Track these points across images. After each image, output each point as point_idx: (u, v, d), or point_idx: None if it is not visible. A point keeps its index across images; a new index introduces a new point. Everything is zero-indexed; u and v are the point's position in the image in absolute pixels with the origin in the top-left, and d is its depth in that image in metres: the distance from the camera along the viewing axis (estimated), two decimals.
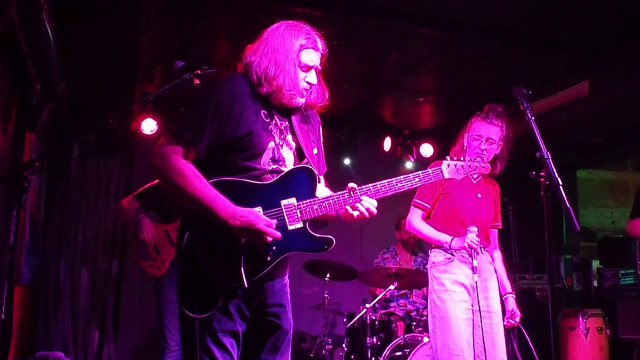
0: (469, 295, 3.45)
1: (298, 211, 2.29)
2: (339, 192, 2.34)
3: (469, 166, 2.50)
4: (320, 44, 2.43)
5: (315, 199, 2.31)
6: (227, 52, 5.63)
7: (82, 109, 5.98)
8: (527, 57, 5.65)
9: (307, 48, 2.39)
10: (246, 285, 2.20)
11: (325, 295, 5.55)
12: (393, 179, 2.37)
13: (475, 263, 3.32)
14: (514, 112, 2.88)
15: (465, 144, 3.58)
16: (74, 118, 5.98)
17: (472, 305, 3.45)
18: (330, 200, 2.32)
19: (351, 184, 2.34)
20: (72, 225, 6.60)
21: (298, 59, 2.36)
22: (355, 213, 2.33)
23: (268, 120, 2.37)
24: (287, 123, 2.45)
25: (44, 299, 6.37)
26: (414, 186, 2.38)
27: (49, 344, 6.22)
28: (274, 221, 2.22)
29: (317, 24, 4.88)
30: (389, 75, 6.22)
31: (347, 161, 7.48)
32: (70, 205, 6.62)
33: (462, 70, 6.05)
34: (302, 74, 2.38)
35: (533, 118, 2.66)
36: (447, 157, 2.52)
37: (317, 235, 2.31)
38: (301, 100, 2.41)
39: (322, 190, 2.50)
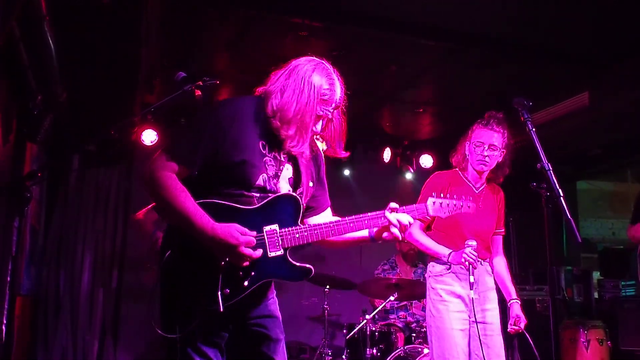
0: (465, 306, 3.43)
1: (280, 238, 2.27)
2: (328, 222, 2.33)
3: (454, 205, 2.53)
4: (339, 90, 2.39)
5: (298, 227, 2.30)
6: (227, 63, 5.66)
7: (83, 120, 5.99)
8: (527, 68, 5.68)
9: (330, 92, 2.36)
10: (221, 309, 2.18)
11: (325, 306, 5.54)
12: (389, 206, 2.37)
13: (472, 279, 3.29)
14: (514, 123, 2.89)
15: (467, 152, 3.57)
16: (75, 129, 5.99)
17: (469, 317, 3.43)
18: (314, 230, 2.31)
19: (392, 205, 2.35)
20: (71, 236, 6.59)
21: (318, 106, 2.33)
22: (386, 233, 2.37)
23: (265, 152, 2.34)
24: (286, 157, 2.42)
25: (43, 309, 6.35)
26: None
27: (48, 355, 6.20)
28: (253, 239, 2.21)
29: (316, 35, 4.99)
30: (388, 86, 6.25)
31: (346, 172, 7.47)
32: (69, 216, 6.62)
33: (462, 81, 6.07)
34: (313, 126, 2.36)
35: (534, 129, 2.66)
36: (433, 194, 2.53)
37: (297, 264, 2.29)
38: (304, 149, 2.37)
39: (327, 218, 2.49)
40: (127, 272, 6.65)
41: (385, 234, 2.39)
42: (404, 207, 2.40)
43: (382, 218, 2.36)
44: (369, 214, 2.37)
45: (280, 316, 2.46)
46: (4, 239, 4.23)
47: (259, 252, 2.21)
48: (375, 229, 2.41)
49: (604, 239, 9.80)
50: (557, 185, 2.46)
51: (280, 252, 2.27)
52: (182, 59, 5.46)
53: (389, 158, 7.46)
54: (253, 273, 2.23)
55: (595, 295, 7.16)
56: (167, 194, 2.19)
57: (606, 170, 8.61)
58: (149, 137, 6.26)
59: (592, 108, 5.82)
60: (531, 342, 3.78)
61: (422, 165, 7.61)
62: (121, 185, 6.80)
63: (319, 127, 2.39)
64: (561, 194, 2.44)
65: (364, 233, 2.44)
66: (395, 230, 2.35)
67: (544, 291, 6.25)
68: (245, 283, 2.22)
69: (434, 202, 2.50)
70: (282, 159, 2.40)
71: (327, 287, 5.56)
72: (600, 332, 5.59)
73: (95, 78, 5.42)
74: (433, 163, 7.58)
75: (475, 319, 3.35)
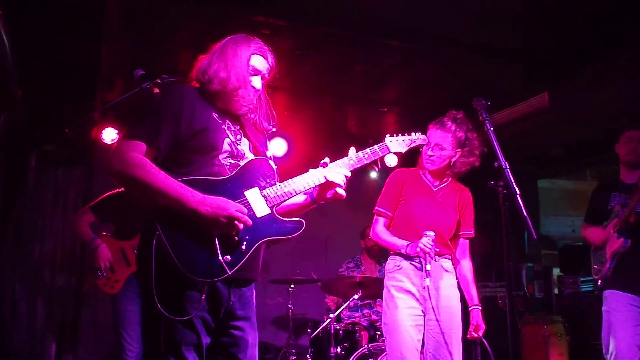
0: (417, 301, 3.43)
1: (263, 198, 2.31)
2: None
3: (410, 139, 2.70)
4: (269, 56, 2.51)
5: (278, 184, 2.36)
6: (191, 62, 5.58)
7: (41, 118, 5.85)
8: (490, 69, 5.76)
9: (257, 54, 2.47)
10: (229, 272, 2.17)
11: (290, 306, 5.53)
12: (353, 155, 2.49)
13: (428, 267, 3.29)
14: (477, 123, 2.92)
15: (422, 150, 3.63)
16: (32, 127, 5.86)
17: (422, 312, 3.44)
18: (294, 182, 2.37)
19: (324, 160, 2.44)
20: (28, 237, 6.43)
21: (248, 62, 2.43)
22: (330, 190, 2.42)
23: (220, 122, 2.40)
24: (238, 127, 2.48)
25: None
26: (370, 160, 2.50)
27: (5, 356, 6.04)
28: (242, 206, 2.23)
29: (282, 34, 4.96)
30: (353, 85, 6.26)
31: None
32: (27, 216, 6.46)
33: (426, 81, 6.12)
34: (250, 78, 2.44)
35: (492, 129, 2.69)
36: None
37: (287, 219, 2.33)
38: (247, 107, 2.46)
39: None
40: (87, 272, 6.53)
41: (329, 193, 2.44)
42: (367, 149, 2.51)
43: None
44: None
45: (255, 318, 2.45)
46: None
47: (250, 220, 2.23)
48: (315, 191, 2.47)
49: (565, 236, 10.01)
50: (513, 183, 2.49)
51: (267, 211, 2.30)
52: (145, 56, 5.38)
53: None
54: (248, 237, 2.24)
55: (556, 291, 7.32)
56: (145, 173, 2.16)
57: (566, 169, 8.80)
58: (110, 135, 6.14)
59: (552, 109, 5.93)
60: (489, 349, 3.83)
61: (387, 165, 7.65)
62: (81, 185, 6.67)
63: (257, 83, 2.45)
64: (518, 192, 2.48)
65: (303, 197, 2.51)
66: (340, 190, 2.42)
67: (505, 288, 6.35)
68: (243, 247, 2.23)
69: (391, 140, 2.63)
70: (236, 130, 2.45)
71: (292, 286, 5.56)
72: (559, 327, 5.72)
73: (53, 75, 5.31)
74: (398, 162, 7.61)
75: (432, 313, 3.35)
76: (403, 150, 2.67)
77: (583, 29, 5.00)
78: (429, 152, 3.53)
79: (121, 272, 4.42)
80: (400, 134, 2.69)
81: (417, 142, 2.74)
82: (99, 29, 4.65)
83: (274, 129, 2.61)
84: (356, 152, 2.51)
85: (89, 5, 4.32)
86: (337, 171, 2.42)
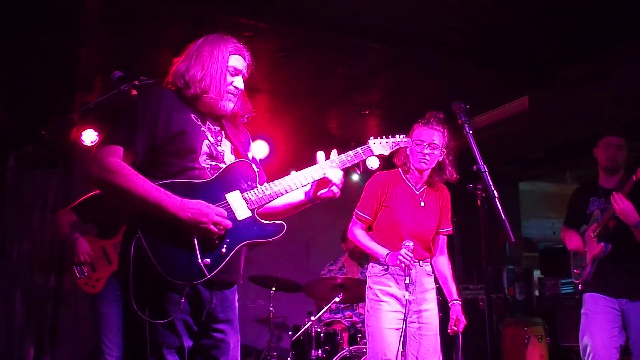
0: (401, 306, 3.44)
1: (244, 201, 2.30)
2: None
3: (393, 142, 2.66)
4: (246, 55, 2.50)
5: (259, 187, 2.35)
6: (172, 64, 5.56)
7: (19, 120, 5.78)
8: (471, 71, 5.79)
9: (235, 54, 2.45)
10: (209, 275, 2.15)
11: (271, 309, 5.51)
12: (335, 157, 2.48)
13: (407, 280, 3.29)
14: (457, 126, 2.94)
15: (408, 152, 3.60)
16: (10, 128, 5.78)
17: (405, 317, 3.46)
18: (275, 185, 2.37)
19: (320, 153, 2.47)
20: (7, 239, 6.34)
21: (226, 62, 2.41)
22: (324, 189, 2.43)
23: (200, 123, 2.38)
24: (219, 128, 2.47)
25: None
26: (353, 162, 2.50)
27: None
28: (223, 210, 2.22)
29: (263, 36, 4.95)
30: (335, 88, 6.27)
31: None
32: (5, 218, 6.37)
33: (408, 84, 6.15)
34: (229, 78, 2.43)
35: (471, 132, 2.70)
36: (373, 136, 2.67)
37: (268, 222, 2.32)
38: (228, 106, 2.45)
39: None
40: (64, 278, 6.45)
41: (324, 193, 2.44)
42: (349, 152, 2.50)
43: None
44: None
45: (237, 320, 2.44)
46: None
47: (230, 222, 2.22)
48: (312, 190, 2.48)
49: (545, 238, 10.12)
50: (492, 186, 2.50)
51: (248, 214, 2.29)
52: (127, 58, 5.34)
53: None
54: (228, 240, 2.23)
55: (536, 293, 7.37)
56: (123, 179, 2.14)
57: (547, 172, 8.88)
58: (90, 137, 6.08)
59: (532, 112, 5.98)
60: (459, 348, 3.84)
61: (369, 167, 7.65)
62: (60, 186, 6.59)
63: (238, 82, 2.45)
64: (496, 195, 2.49)
65: (301, 196, 2.51)
66: (335, 189, 2.43)
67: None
68: (223, 250, 2.22)
69: (374, 142, 2.62)
70: (217, 131, 2.44)
71: (273, 288, 5.53)
72: (539, 329, 5.75)
73: (31, 76, 5.24)
74: (380, 164, 7.63)
75: (406, 319, 3.34)
76: (386, 152, 2.65)
77: (562, 33, 5.04)
78: (425, 151, 3.50)
79: (102, 270, 4.37)
80: (384, 136, 2.67)
81: (401, 145, 2.72)
82: (78, 29, 4.60)
83: (251, 114, 2.59)
84: (338, 154, 2.51)
85: (68, 5, 4.26)
86: (335, 170, 2.43)
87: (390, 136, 2.70)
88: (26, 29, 4.57)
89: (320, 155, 2.46)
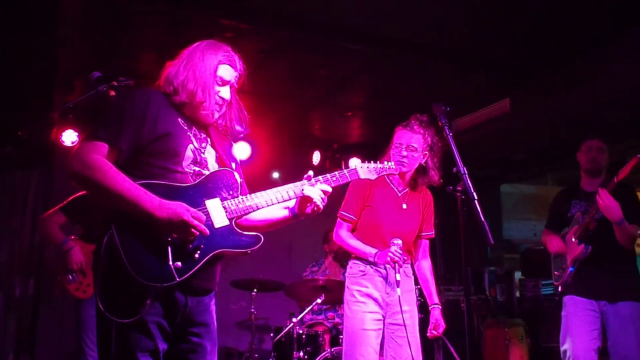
0: (379, 307, 3.44)
1: (223, 209, 2.29)
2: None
3: (381, 167, 2.71)
4: (238, 64, 2.49)
5: (240, 197, 2.35)
6: (153, 64, 5.51)
7: None
8: (453, 74, 5.82)
9: (225, 64, 2.44)
10: (178, 279, 2.13)
11: (252, 310, 5.49)
12: (321, 177, 2.49)
13: (398, 277, 3.30)
14: (439, 128, 2.95)
15: (390, 154, 3.60)
16: None
17: (383, 317, 3.45)
18: (256, 197, 2.36)
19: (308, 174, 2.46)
20: None
21: (215, 72, 2.40)
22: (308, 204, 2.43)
23: (186, 128, 2.37)
24: (205, 135, 2.46)
25: None
26: (338, 183, 2.53)
27: None
28: (202, 214, 2.20)
29: (245, 37, 4.93)
30: (317, 89, 6.26)
31: (275, 175, 7.46)
32: None
33: (390, 86, 6.16)
34: (217, 88, 2.41)
35: (451, 134, 2.71)
36: (358, 160, 2.71)
37: (245, 233, 2.32)
38: (213, 115, 2.44)
39: None
40: (45, 278, 6.37)
41: (308, 208, 2.45)
42: (336, 172, 2.53)
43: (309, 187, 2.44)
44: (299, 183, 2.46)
45: (215, 323, 2.42)
46: None
47: (207, 229, 2.20)
48: (296, 205, 2.48)
49: (527, 240, 10.17)
50: (472, 188, 2.51)
51: (226, 223, 2.28)
52: (106, 59, 5.29)
53: (318, 161, 7.47)
54: (202, 246, 2.21)
55: (517, 294, 7.41)
56: (102, 176, 2.11)
57: (528, 174, 8.94)
58: (70, 137, 6.03)
59: (513, 114, 6.02)
60: (450, 347, 3.86)
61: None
62: (40, 188, 6.52)
63: (224, 93, 2.44)
64: (475, 197, 2.50)
65: (284, 212, 2.53)
66: (319, 203, 2.43)
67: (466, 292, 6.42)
68: (196, 256, 2.19)
69: (361, 166, 2.66)
70: (202, 138, 2.43)
71: (255, 290, 5.51)
72: (520, 330, 5.79)
73: (9, 76, 5.18)
74: None
75: (393, 319, 3.33)
76: (372, 177, 2.70)
77: (544, 36, 5.08)
78: (403, 153, 3.50)
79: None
80: (372, 161, 2.73)
81: (387, 172, 2.77)
82: (57, 29, 4.54)
83: (247, 131, 2.60)
84: (320, 156, 2.53)
85: (47, 5, 4.21)
86: (315, 188, 2.43)
87: (379, 162, 2.75)
88: (4, 29, 4.51)
89: (309, 174, 2.49)
